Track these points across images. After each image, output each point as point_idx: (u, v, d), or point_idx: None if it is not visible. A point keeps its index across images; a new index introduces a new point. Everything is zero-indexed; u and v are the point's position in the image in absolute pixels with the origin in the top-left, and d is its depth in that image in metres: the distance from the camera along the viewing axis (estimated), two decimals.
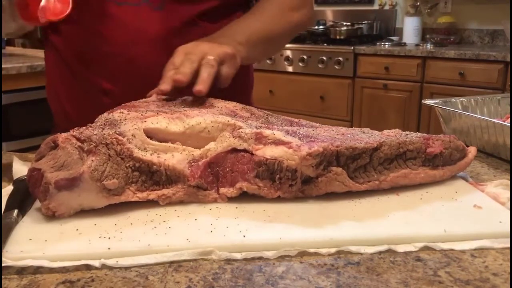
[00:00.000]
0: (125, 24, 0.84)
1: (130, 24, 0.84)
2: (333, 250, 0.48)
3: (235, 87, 0.77)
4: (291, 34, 0.96)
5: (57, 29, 0.89)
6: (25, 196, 0.57)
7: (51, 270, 0.45)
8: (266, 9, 0.90)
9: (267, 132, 0.59)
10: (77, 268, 0.45)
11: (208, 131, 0.60)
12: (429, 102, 0.91)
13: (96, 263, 0.45)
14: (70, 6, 0.71)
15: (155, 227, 0.51)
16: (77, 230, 0.51)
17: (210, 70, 0.69)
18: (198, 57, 0.70)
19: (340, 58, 3.16)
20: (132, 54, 0.84)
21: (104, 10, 0.84)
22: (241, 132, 0.59)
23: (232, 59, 0.74)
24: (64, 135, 0.55)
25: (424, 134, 0.65)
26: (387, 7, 3.63)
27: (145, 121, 0.59)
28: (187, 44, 0.74)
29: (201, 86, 0.66)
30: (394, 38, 3.44)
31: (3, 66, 2.22)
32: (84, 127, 0.59)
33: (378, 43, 3.26)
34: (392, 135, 0.65)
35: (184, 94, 0.70)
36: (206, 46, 0.73)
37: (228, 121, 0.61)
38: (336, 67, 3.19)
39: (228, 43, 0.76)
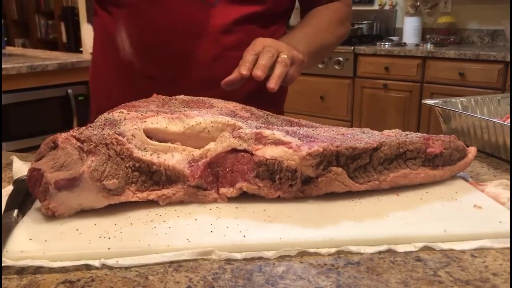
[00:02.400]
0: (177, 16, 0.86)
1: (182, 16, 0.86)
2: (333, 250, 0.48)
3: (271, 97, 0.80)
4: (335, 46, 1.03)
5: (112, 13, 0.92)
6: (25, 196, 0.57)
7: (51, 270, 0.45)
8: (318, 23, 0.96)
9: (267, 132, 0.59)
10: (77, 268, 0.45)
11: (208, 131, 0.60)
12: (429, 102, 0.91)
13: (96, 263, 0.45)
14: None
15: (155, 227, 0.51)
16: (77, 230, 0.51)
17: (284, 69, 0.73)
18: (276, 53, 0.74)
19: (340, 58, 3.16)
20: (180, 45, 0.87)
21: (160, 0, 0.86)
22: (241, 132, 0.59)
23: (301, 64, 0.78)
24: (64, 135, 0.55)
25: (424, 134, 0.65)
26: (387, 7, 3.63)
27: (145, 121, 0.59)
28: (265, 38, 0.78)
29: (273, 82, 0.71)
30: (394, 38, 3.44)
31: (3, 66, 2.22)
32: (83, 127, 0.59)
33: (378, 43, 3.26)
34: (392, 135, 0.65)
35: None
36: (283, 45, 0.77)
37: (228, 121, 0.61)
38: (336, 67, 3.19)
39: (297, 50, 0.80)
